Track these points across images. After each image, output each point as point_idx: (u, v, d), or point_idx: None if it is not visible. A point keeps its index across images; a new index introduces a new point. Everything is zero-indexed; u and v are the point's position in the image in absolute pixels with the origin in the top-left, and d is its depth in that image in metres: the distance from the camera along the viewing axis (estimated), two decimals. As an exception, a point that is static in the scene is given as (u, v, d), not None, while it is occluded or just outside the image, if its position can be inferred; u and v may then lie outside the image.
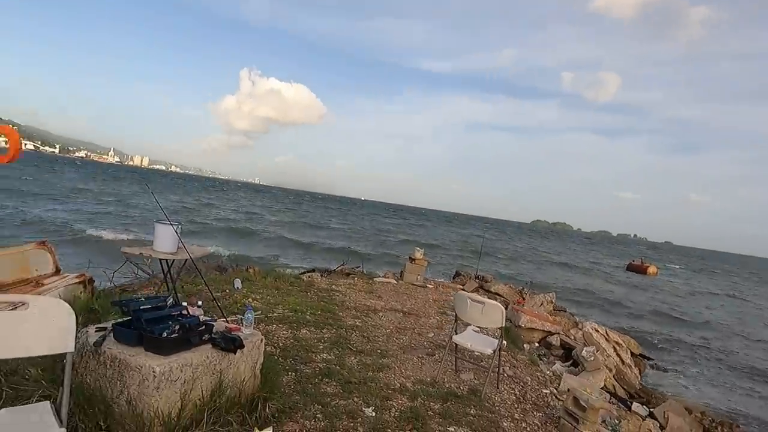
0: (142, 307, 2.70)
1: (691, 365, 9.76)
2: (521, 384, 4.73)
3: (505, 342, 4.70)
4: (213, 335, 2.80)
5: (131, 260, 6.64)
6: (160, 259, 4.41)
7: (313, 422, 3.13)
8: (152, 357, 2.48)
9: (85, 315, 4.13)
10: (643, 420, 5.20)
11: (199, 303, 3.25)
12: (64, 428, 1.91)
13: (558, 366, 6.26)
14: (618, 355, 6.70)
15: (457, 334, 4.44)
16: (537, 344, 7.35)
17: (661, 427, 5.24)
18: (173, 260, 4.53)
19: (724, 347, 12.31)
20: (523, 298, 9.96)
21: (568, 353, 7.18)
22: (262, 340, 3.11)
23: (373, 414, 3.39)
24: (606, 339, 6.78)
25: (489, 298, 9.96)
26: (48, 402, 2.06)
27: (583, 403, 3.81)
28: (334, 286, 8.03)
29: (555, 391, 4.82)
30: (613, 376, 6.40)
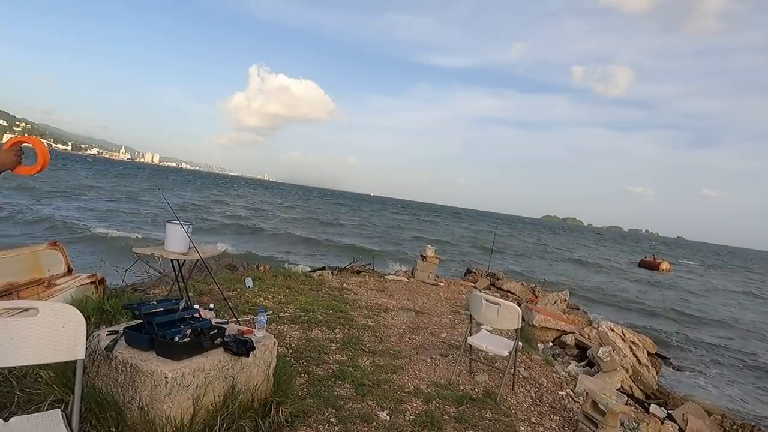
0: (153, 311, 2.66)
1: (710, 365, 9.56)
2: (537, 386, 4.64)
3: (521, 343, 4.61)
4: (225, 339, 2.75)
5: (143, 259, 6.65)
6: (172, 260, 4.38)
7: (327, 427, 3.07)
8: (164, 362, 2.44)
9: (97, 316, 4.12)
10: (662, 423, 5.08)
11: (211, 306, 3.20)
12: (75, 437, 1.87)
13: (573, 366, 6.15)
14: (634, 354, 6.57)
15: (471, 335, 4.36)
16: (551, 343, 7.23)
17: (681, 430, 5.12)
18: (184, 260, 4.49)
19: (744, 347, 12.05)
20: (536, 296, 9.84)
21: (582, 353, 7.06)
22: (274, 343, 3.06)
23: (388, 418, 3.32)
24: (622, 338, 6.65)
25: (501, 295, 9.88)
26: (59, 410, 2.02)
27: (603, 407, 3.71)
28: (345, 285, 7.98)
29: (571, 392, 4.72)
30: (630, 377, 6.28)
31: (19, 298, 3.95)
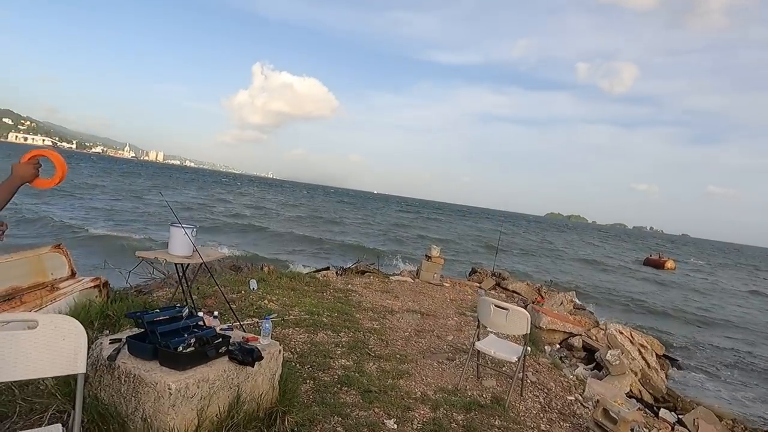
0: (156, 319, 2.60)
1: (719, 368, 9.43)
2: (545, 391, 4.57)
3: (529, 348, 4.54)
4: (230, 347, 2.69)
5: (147, 260, 6.61)
6: (176, 263, 4.33)
7: (333, 436, 3.01)
8: (168, 372, 2.38)
9: (101, 320, 4.09)
10: (673, 428, 5.01)
11: (215, 313, 3.14)
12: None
13: (581, 369, 6.08)
14: (643, 357, 6.48)
15: (479, 340, 4.29)
16: (558, 346, 7.16)
17: (691, 436, 5.04)
18: (188, 264, 4.44)
19: (754, 349, 11.88)
20: (543, 297, 9.76)
21: (590, 355, 6.98)
22: (280, 351, 3.00)
23: (395, 427, 3.26)
24: (631, 341, 6.56)
25: (506, 296, 9.79)
26: (59, 425, 1.97)
27: (614, 415, 3.65)
28: (350, 286, 7.92)
29: (580, 397, 4.65)
30: (639, 380, 6.20)
31: (22, 303, 3.91)
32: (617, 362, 5.83)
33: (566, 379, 5.13)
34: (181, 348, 2.46)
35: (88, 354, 2.57)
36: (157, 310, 2.70)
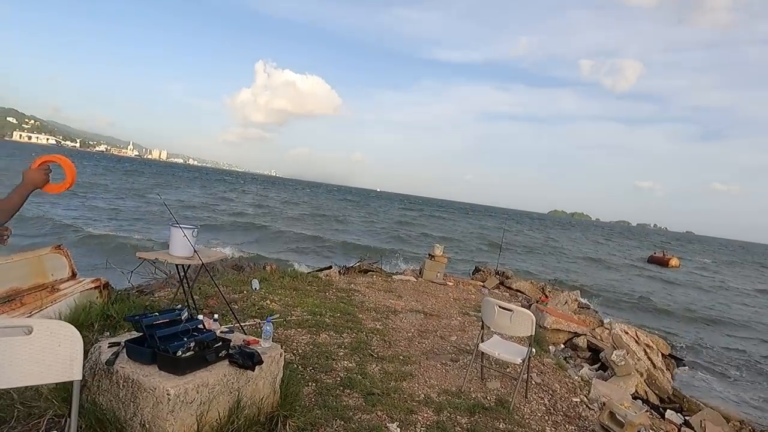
0: (155, 323, 2.56)
1: (725, 368, 9.34)
2: (550, 392, 4.51)
3: (534, 350, 4.48)
4: (230, 351, 2.65)
5: (148, 260, 6.58)
6: (176, 264, 4.29)
7: (335, 440, 2.97)
8: (167, 377, 2.34)
9: (101, 322, 4.06)
10: (679, 430, 4.95)
11: (216, 316, 3.10)
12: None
13: (586, 370, 6.01)
14: (649, 358, 6.42)
15: (483, 341, 4.24)
16: (563, 346, 7.10)
17: (698, 437, 4.98)
18: (189, 265, 4.40)
19: (762, 349, 11.78)
20: (547, 296, 9.69)
21: (595, 355, 6.92)
22: (281, 354, 2.96)
23: (398, 430, 3.22)
24: (636, 341, 6.50)
25: (510, 295, 9.72)
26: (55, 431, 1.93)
27: (621, 419, 3.59)
28: (352, 285, 7.88)
29: (586, 399, 4.59)
30: (645, 381, 6.13)
31: (22, 304, 3.89)
32: (622, 363, 5.77)
33: (571, 380, 5.07)
34: (180, 352, 2.42)
35: (86, 358, 2.54)
36: (156, 314, 2.66)
